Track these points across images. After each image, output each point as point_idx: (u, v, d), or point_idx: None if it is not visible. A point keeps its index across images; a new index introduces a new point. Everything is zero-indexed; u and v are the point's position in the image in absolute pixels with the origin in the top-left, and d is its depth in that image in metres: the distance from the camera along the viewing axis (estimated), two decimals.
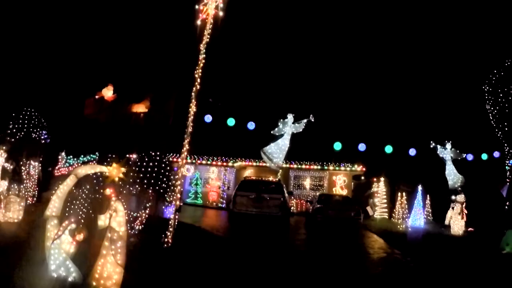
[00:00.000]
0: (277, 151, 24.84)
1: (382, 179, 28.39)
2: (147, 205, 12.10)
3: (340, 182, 29.85)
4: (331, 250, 15.25)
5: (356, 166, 29.62)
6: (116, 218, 6.65)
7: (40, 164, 16.30)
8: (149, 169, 12.02)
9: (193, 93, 12.36)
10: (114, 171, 6.99)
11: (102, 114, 24.28)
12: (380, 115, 33.53)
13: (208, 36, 12.07)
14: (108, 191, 6.91)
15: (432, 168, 28.60)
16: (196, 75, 12.29)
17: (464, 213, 24.20)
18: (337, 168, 29.78)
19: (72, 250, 6.81)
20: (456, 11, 36.66)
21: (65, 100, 24.06)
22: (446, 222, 27.21)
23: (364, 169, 29.42)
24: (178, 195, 11.64)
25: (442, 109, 33.92)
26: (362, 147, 27.54)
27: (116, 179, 6.99)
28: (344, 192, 28.93)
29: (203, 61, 12.28)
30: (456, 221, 23.94)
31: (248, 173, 30.52)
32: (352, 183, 30.59)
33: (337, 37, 36.05)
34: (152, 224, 12.14)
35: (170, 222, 10.90)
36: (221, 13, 11.74)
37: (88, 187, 9.37)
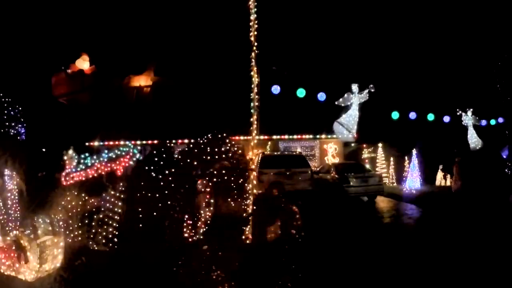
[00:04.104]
0: (351, 121, 23.32)
1: (380, 145, 26.46)
2: (211, 201, 8.69)
3: (331, 150, 27.45)
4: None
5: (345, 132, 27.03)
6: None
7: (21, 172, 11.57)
8: (209, 157, 8.39)
9: (252, 60, 9.14)
10: None
11: (83, 93, 19.19)
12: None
13: None
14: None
15: (421, 133, 27.68)
16: (252, 38, 9.09)
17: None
18: (329, 136, 27.04)
19: None
20: None
21: (22, 76, 18.33)
22: (437, 183, 27.53)
23: (356, 136, 27.08)
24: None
25: (448, 73, 32.04)
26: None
27: None
28: (336, 160, 26.49)
29: (256, 21, 9.24)
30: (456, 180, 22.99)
31: None
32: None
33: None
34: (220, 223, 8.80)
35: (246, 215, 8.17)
36: None
37: None
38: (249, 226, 8.66)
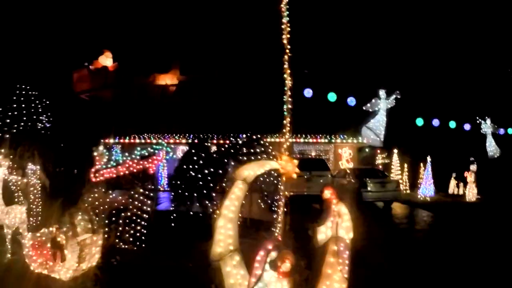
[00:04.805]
0: (379, 127, 23.22)
1: (395, 151, 26.03)
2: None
3: (346, 154, 27.05)
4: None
5: (360, 138, 26.72)
6: (342, 224, 5.02)
7: (44, 166, 11.15)
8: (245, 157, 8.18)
9: (285, 63, 8.79)
10: (289, 166, 5.02)
11: (106, 90, 18.86)
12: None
13: None
14: (327, 193, 5.20)
15: (436, 140, 27.29)
16: (285, 41, 8.78)
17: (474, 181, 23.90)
18: (344, 140, 26.68)
19: None
20: None
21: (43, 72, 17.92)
22: (450, 191, 26.94)
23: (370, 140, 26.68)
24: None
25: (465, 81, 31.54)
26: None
27: (294, 175, 5.12)
28: (350, 165, 26.10)
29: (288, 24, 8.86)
30: (470, 189, 23.72)
31: None
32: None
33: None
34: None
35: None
36: None
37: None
38: (279, 228, 8.48)
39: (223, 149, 8.30)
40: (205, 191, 7.49)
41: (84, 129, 17.30)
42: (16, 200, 9.33)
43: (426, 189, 24.20)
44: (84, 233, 6.29)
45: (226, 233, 4.71)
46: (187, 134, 19.57)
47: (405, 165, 26.37)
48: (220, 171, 7.77)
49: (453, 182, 27.53)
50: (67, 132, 14.04)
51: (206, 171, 7.51)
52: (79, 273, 6.16)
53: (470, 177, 23.87)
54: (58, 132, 12.76)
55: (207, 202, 7.62)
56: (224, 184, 7.95)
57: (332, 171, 23.02)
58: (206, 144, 8.48)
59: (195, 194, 7.56)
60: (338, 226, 5.10)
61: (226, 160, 8.06)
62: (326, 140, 26.84)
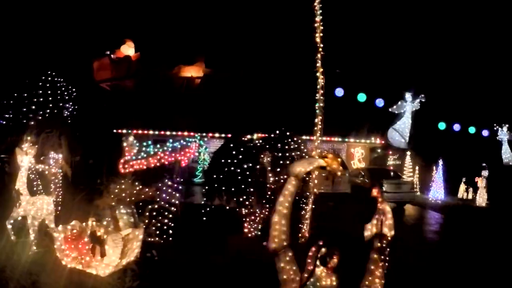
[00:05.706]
0: (405, 129, 23.21)
1: (408, 152, 25.68)
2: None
3: (358, 154, 26.69)
4: None
5: (373, 138, 26.33)
6: (386, 222, 4.98)
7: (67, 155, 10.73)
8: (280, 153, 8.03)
9: (318, 61, 8.75)
10: (335, 163, 5.02)
11: (128, 80, 18.42)
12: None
13: None
14: (375, 191, 5.06)
15: (449, 144, 27.04)
16: (318, 39, 8.70)
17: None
18: (357, 140, 26.28)
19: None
20: None
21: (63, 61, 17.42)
22: (459, 195, 26.77)
23: (383, 142, 26.32)
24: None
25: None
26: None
27: (338, 173, 5.24)
28: (362, 165, 25.72)
29: (321, 23, 8.83)
30: (481, 194, 23.48)
31: None
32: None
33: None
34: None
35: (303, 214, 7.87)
36: None
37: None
38: (306, 224, 7.79)
39: (258, 144, 8.00)
40: (242, 186, 7.20)
41: (105, 119, 16.97)
42: (41, 190, 8.93)
43: (437, 192, 24.27)
44: (127, 228, 5.92)
45: (280, 229, 4.59)
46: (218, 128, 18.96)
47: (417, 167, 26.03)
48: (257, 166, 7.48)
49: (462, 187, 27.30)
50: (87, 121, 13.63)
51: (245, 166, 7.20)
52: (118, 269, 5.80)
53: (481, 182, 23.62)
54: (79, 121, 12.34)
55: (244, 197, 7.32)
56: (261, 180, 7.69)
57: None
58: (243, 138, 8.15)
59: (233, 189, 7.25)
60: (382, 224, 5.12)
61: (262, 155, 7.79)
62: (340, 139, 26.34)
